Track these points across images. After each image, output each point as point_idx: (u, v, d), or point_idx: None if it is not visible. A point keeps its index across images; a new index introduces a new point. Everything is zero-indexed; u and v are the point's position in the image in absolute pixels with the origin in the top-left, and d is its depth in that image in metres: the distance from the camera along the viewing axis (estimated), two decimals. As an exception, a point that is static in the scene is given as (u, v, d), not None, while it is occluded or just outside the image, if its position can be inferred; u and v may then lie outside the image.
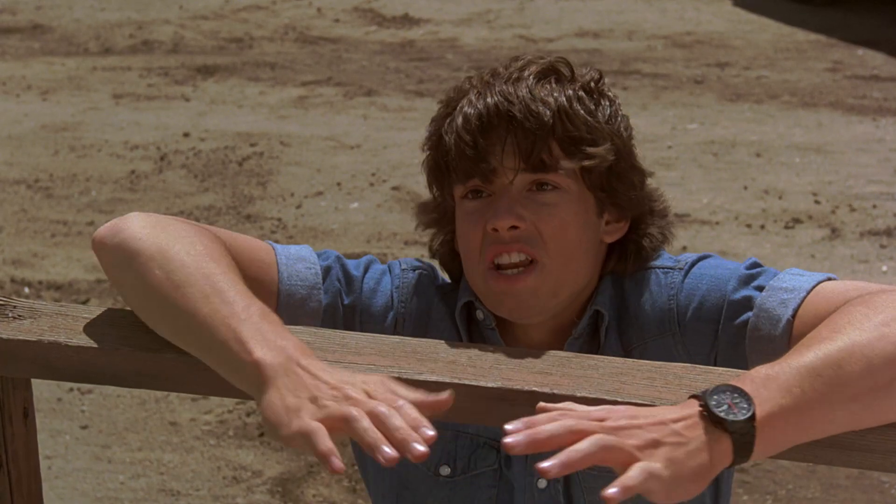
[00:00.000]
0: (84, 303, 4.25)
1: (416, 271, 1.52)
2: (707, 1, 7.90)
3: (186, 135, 5.85)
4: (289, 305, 1.45)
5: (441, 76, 6.60)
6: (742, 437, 1.13)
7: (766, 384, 1.16)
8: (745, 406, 1.13)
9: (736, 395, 1.14)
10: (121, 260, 1.35)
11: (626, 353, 1.44)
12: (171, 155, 5.62)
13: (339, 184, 5.25)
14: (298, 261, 1.47)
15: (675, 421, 1.12)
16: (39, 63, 7.11)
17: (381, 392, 1.14)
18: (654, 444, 1.09)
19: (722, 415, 1.12)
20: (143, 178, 5.38)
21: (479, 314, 1.48)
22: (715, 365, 1.40)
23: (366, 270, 1.52)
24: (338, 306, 1.48)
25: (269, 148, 5.67)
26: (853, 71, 6.48)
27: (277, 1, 8.22)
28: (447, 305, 1.51)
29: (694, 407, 1.15)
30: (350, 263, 1.52)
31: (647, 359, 1.41)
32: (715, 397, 1.14)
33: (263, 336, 1.20)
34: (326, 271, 1.48)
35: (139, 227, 1.35)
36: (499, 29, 7.49)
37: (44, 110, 6.30)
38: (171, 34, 7.56)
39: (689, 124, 5.81)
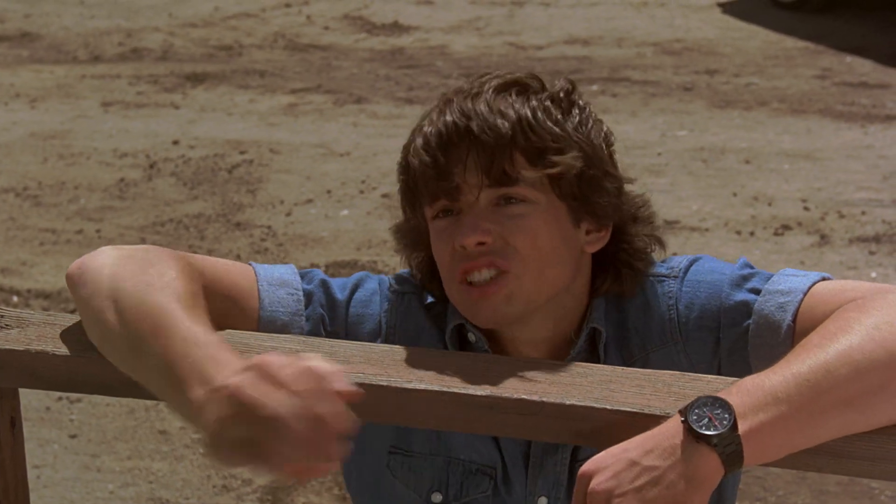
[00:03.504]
0: (72, 312, 4.23)
1: (406, 294, 1.49)
2: (696, 8, 7.92)
3: (176, 142, 5.84)
4: (269, 333, 1.42)
5: (431, 83, 6.61)
6: (726, 448, 1.14)
7: (753, 393, 1.17)
8: (727, 417, 1.15)
9: (717, 407, 1.16)
10: (82, 298, 1.34)
11: (628, 367, 1.42)
12: (160, 163, 5.61)
13: (329, 191, 5.25)
14: (280, 286, 1.45)
15: (648, 452, 1.15)
16: (28, 71, 7.09)
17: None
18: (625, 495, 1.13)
19: (702, 430, 1.14)
20: (133, 186, 5.37)
21: (472, 337, 1.46)
22: (719, 372, 1.40)
23: (353, 293, 1.48)
24: (320, 333, 1.45)
25: (258, 155, 5.66)
26: (842, 78, 6.49)
27: (267, 9, 8.21)
28: (438, 329, 1.48)
29: (676, 423, 1.16)
30: (336, 286, 1.49)
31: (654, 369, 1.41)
32: (696, 412, 1.16)
33: (200, 371, 1.17)
34: (309, 297, 1.46)
35: (100, 266, 1.34)
36: (488, 36, 7.49)
37: (32, 118, 6.29)
38: (160, 42, 7.55)
39: (679, 131, 5.82)
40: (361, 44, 7.44)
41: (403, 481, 1.49)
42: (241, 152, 5.70)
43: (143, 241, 4.80)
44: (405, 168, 1.45)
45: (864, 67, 6.64)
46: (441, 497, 1.48)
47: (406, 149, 1.46)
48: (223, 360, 1.15)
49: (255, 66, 7.04)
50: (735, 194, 5.07)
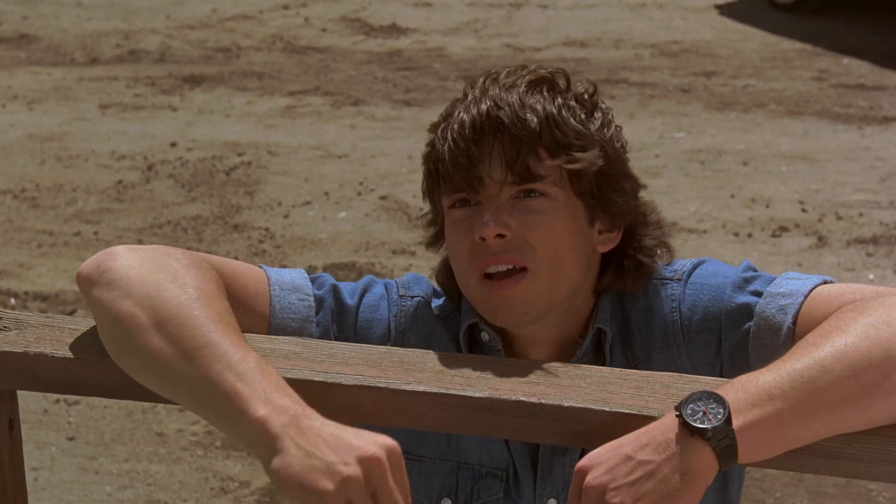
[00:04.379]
0: (70, 314, 4.24)
1: (415, 298, 1.50)
2: (694, 10, 7.93)
3: (173, 144, 5.84)
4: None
5: (428, 85, 6.61)
6: (720, 442, 1.15)
7: (747, 389, 1.18)
8: (721, 411, 1.16)
9: (711, 401, 1.17)
10: (104, 300, 1.31)
11: (632, 368, 1.42)
12: (158, 165, 5.61)
13: (326, 193, 5.24)
14: (292, 291, 1.45)
15: (643, 447, 1.16)
16: (25, 73, 7.09)
17: (378, 480, 1.13)
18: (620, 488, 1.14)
19: (696, 424, 1.15)
20: (130, 188, 5.37)
21: (484, 336, 1.46)
22: (721, 375, 1.41)
23: (362, 297, 1.49)
24: (328, 339, 1.46)
25: (256, 157, 5.66)
26: (839, 80, 6.50)
27: (265, 11, 8.21)
28: (449, 332, 1.48)
29: (672, 418, 1.17)
30: (346, 290, 1.49)
31: (653, 371, 1.42)
32: (690, 406, 1.17)
33: (264, 393, 1.18)
34: (320, 302, 1.46)
35: (126, 268, 1.31)
36: (486, 38, 7.50)
37: (30, 120, 6.29)
38: (157, 44, 7.55)
39: (676, 133, 5.82)
40: (359, 46, 7.44)
41: (414, 487, 1.49)
42: (239, 154, 5.70)
43: (140, 243, 4.80)
44: (431, 153, 1.46)
45: (861, 69, 6.64)
46: (451, 502, 1.48)
47: (434, 128, 1.47)
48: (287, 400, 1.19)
49: (253, 67, 7.04)
50: (733, 196, 5.08)
